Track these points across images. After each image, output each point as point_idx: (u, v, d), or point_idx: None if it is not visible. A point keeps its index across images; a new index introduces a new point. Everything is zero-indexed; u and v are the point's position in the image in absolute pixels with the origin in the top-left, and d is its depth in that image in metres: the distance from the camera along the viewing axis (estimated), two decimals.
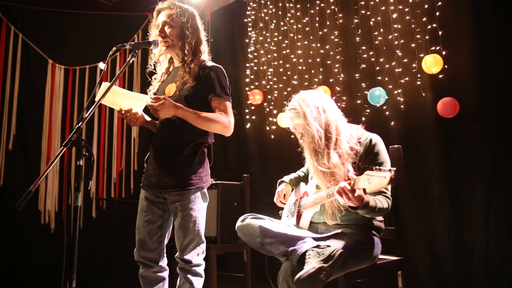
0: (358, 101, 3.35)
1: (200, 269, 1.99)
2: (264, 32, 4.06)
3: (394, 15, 3.16)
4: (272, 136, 3.94)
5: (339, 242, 1.74)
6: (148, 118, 2.13)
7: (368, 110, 3.31)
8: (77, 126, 1.53)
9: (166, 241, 2.07)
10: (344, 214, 1.86)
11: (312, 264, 1.56)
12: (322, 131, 1.86)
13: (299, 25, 3.81)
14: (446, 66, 2.90)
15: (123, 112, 1.94)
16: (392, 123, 3.16)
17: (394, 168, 1.49)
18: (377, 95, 3.15)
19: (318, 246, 1.65)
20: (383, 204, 1.75)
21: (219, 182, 3.19)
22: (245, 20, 4.19)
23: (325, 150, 1.84)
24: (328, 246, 1.65)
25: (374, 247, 1.86)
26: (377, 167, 1.55)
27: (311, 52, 3.72)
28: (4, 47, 3.90)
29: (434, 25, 2.96)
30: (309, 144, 1.88)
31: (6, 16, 3.93)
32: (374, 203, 1.71)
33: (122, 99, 1.93)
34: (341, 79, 3.49)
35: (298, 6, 3.84)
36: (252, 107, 4.12)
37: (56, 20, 4.15)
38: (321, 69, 3.65)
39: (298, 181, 2.25)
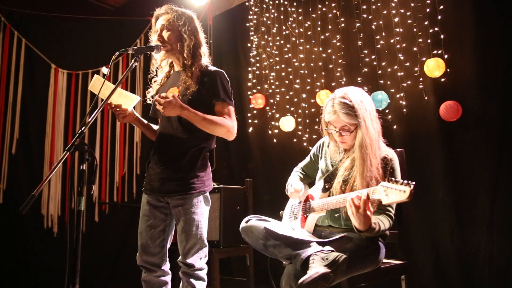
0: None
1: (203, 273, 1.99)
2: (266, 36, 4.07)
3: (396, 19, 3.16)
4: (275, 140, 3.94)
5: (343, 247, 1.73)
6: (138, 116, 2.13)
7: None
8: (80, 130, 1.54)
9: (168, 245, 2.07)
10: (348, 218, 1.86)
11: (315, 269, 1.55)
12: (376, 140, 1.84)
13: (301, 29, 3.82)
14: (448, 70, 2.90)
15: (113, 105, 1.98)
16: (394, 127, 3.15)
17: (414, 182, 1.44)
18: (380, 99, 3.15)
19: (322, 251, 1.63)
20: (385, 226, 1.75)
21: (221, 186, 3.19)
22: (247, 24, 4.20)
23: (372, 158, 1.79)
24: (332, 251, 1.64)
25: (378, 252, 1.85)
26: (393, 178, 1.53)
27: (313, 56, 3.72)
28: (8, 52, 3.92)
29: (436, 28, 2.96)
30: (361, 149, 1.80)
31: (9, 21, 3.96)
32: (378, 227, 1.70)
33: (113, 94, 1.96)
34: (343, 83, 3.49)
35: (300, 10, 3.84)
36: (254, 111, 4.13)
37: (59, 25, 4.17)
38: (323, 73, 3.66)
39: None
